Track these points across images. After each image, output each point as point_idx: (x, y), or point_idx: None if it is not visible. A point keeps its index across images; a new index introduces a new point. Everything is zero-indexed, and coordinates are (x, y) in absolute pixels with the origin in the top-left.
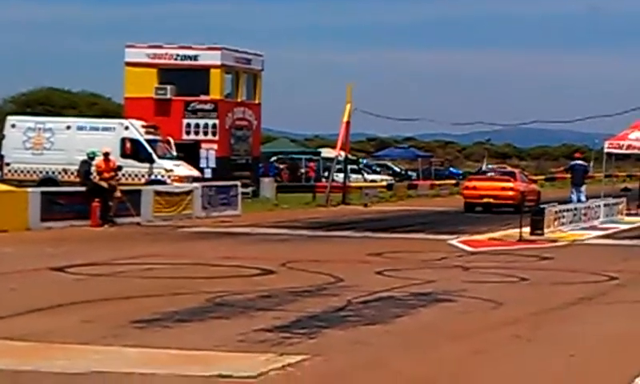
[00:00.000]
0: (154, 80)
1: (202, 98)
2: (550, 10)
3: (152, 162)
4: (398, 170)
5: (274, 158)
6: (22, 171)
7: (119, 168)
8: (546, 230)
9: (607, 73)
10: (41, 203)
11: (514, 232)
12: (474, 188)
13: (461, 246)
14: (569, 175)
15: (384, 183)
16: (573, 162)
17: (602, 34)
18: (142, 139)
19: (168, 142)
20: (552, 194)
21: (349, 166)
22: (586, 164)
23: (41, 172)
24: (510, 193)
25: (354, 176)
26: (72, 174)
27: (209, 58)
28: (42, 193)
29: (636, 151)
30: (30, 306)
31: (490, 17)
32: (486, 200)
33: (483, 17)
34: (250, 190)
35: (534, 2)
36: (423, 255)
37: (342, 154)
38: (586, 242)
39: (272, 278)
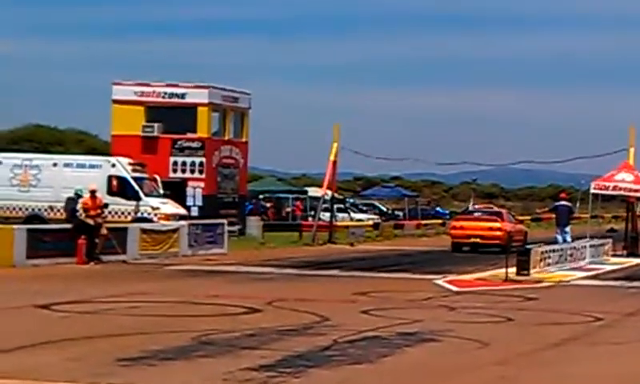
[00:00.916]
0: (142, 118)
1: (189, 136)
2: (536, 50)
3: (139, 199)
4: (384, 209)
5: (260, 197)
6: (7, 208)
7: (106, 205)
8: (532, 271)
9: (594, 114)
10: (27, 240)
11: (500, 272)
12: (462, 228)
13: (447, 285)
14: (554, 216)
15: (370, 222)
16: (557, 203)
17: (591, 74)
18: (128, 177)
19: (155, 180)
20: (539, 234)
21: (335, 205)
22: (570, 205)
23: (27, 209)
24: (498, 233)
25: (340, 215)
26: (58, 211)
27: (196, 96)
28: (28, 230)
29: (622, 192)
30: (16, 343)
31: (478, 57)
32: (473, 240)
33: (471, 57)
34: (236, 228)
35: (521, 43)
36: (409, 295)
37: (329, 192)
38: (572, 282)
39: (258, 316)
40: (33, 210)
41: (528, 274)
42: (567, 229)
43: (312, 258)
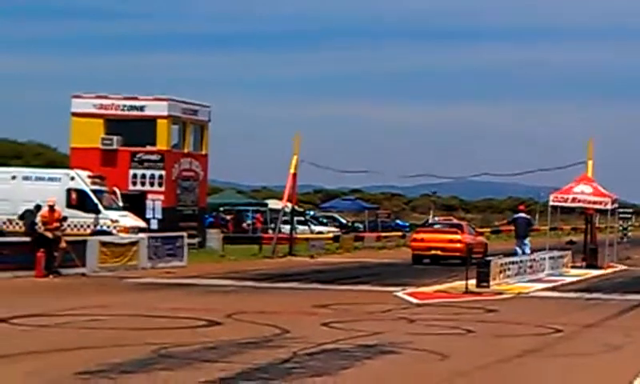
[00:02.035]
0: (101, 130)
1: (149, 148)
2: (497, 62)
3: (98, 212)
4: (344, 221)
5: (220, 209)
6: None
7: (65, 218)
8: (491, 282)
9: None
10: None
11: (460, 284)
12: (422, 240)
13: (407, 297)
14: (513, 228)
15: (331, 235)
16: (516, 215)
17: (550, 86)
18: (87, 190)
19: (114, 193)
20: (498, 246)
21: (295, 218)
22: (529, 217)
23: None
24: (458, 245)
25: (300, 228)
26: (17, 224)
27: (155, 108)
28: None
29: (580, 204)
30: None
31: (438, 69)
32: (433, 252)
33: (431, 69)
34: (196, 240)
35: (480, 54)
36: (369, 307)
37: (289, 205)
38: (532, 294)
39: (218, 329)
40: None
41: (488, 286)
42: (526, 241)
43: (272, 271)
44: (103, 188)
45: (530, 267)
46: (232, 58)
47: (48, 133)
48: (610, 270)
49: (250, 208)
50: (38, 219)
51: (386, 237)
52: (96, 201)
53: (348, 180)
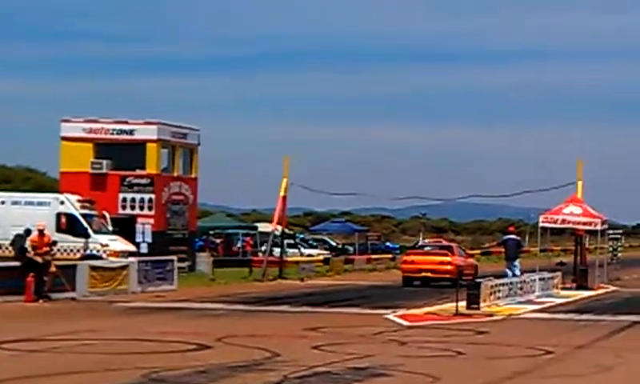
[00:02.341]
0: (90, 154)
1: (138, 172)
2: (485, 84)
3: (87, 236)
4: (334, 244)
5: (210, 233)
6: None
7: (54, 243)
8: (482, 304)
9: (542, 148)
10: None
11: (450, 306)
12: (413, 262)
13: (397, 320)
14: (503, 249)
15: (321, 258)
16: (506, 237)
17: (538, 107)
18: (77, 214)
19: (104, 217)
20: (489, 267)
21: (285, 241)
22: (519, 238)
23: None
24: (448, 267)
25: (290, 250)
26: (7, 248)
27: (145, 132)
28: None
29: (570, 225)
30: None
31: (427, 92)
32: (424, 274)
33: (420, 92)
34: (186, 264)
35: (470, 77)
36: (360, 330)
37: (279, 228)
38: (522, 316)
39: (208, 353)
40: None
41: (478, 308)
42: (516, 262)
43: (262, 294)
44: (93, 212)
45: (521, 289)
46: (222, 80)
47: (37, 157)
48: (600, 291)
49: (240, 231)
50: (28, 244)
51: (376, 259)
52: (86, 225)
53: (338, 202)
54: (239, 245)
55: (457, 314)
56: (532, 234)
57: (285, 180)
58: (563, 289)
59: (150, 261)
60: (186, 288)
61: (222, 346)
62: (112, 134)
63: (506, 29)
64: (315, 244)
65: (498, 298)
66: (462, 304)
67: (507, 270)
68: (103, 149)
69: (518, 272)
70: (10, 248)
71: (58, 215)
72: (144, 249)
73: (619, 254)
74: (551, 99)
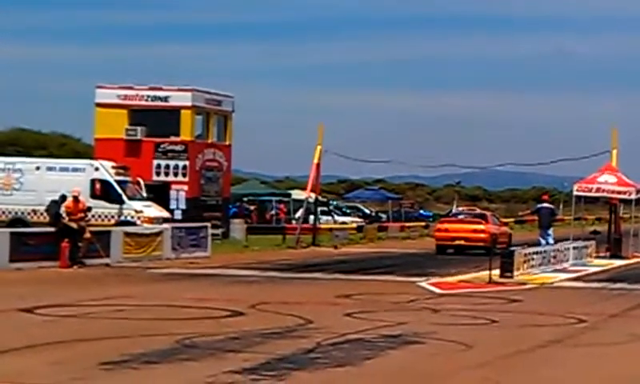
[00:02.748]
0: (125, 121)
1: (173, 139)
2: (521, 52)
3: (122, 203)
4: (368, 211)
5: (244, 200)
6: None
7: (89, 209)
8: (515, 273)
9: (578, 116)
10: (10, 244)
11: (483, 274)
12: (446, 230)
13: (430, 288)
14: (537, 218)
15: (354, 225)
16: (539, 205)
17: (573, 77)
18: (111, 180)
19: (138, 183)
20: (522, 236)
21: (319, 208)
22: (552, 207)
23: (10, 212)
24: (482, 235)
25: (324, 218)
26: (41, 214)
27: (179, 99)
28: (11, 233)
29: (605, 194)
30: (0, 347)
31: (462, 59)
32: (457, 242)
33: (455, 58)
34: (219, 231)
35: (505, 44)
36: (393, 297)
37: (313, 195)
38: (555, 284)
39: (241, 319)
40: (16, 213)
41: (512, 276)
42: (550, 231)
43: (295, 261)
44: (127, 178)
45: (554, 257)
46: (256, 47)
47: (72, 123)
48: (634, 260)
49: (274, 198)
50: (63, 210)
51: (409, 227)
52: (120, 191)
53: (372, 170)
54: (273, 212)
55: (490, 282)
56: (566, 203)
57: (319, 147)
58: (597, 258)
59: (183, 227)
60: (219, 255)
61: (255, 313)
62: (146, 100)
63: None
64: (349, 211)
65: (532, 266)
66: (496, 272)
67: (541, 239)
68: (138, 115)
69: (551, 240)
70: (45, 214)
71: (93, 181)
72: (178, 215)
73: None
74: (586, 67)
